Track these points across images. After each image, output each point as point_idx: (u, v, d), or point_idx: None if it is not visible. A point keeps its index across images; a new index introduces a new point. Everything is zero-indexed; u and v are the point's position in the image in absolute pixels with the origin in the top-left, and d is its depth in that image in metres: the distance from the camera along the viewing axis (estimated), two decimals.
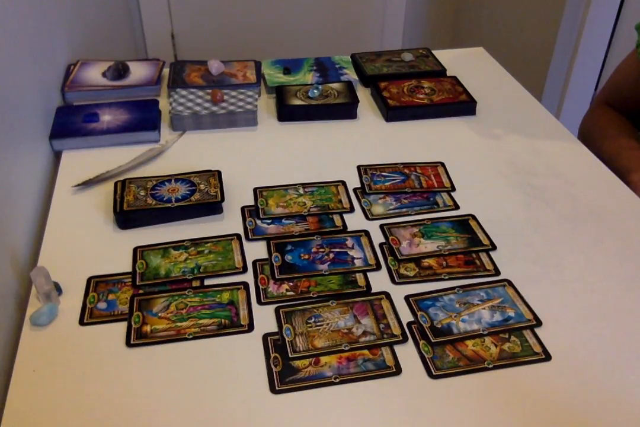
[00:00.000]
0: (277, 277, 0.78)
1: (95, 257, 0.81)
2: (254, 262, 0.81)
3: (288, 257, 0.81)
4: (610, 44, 1.97)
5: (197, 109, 1.08)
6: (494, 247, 0.83)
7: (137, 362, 0.67)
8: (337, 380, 0.65)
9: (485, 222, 0.87)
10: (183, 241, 0.84)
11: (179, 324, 0.72)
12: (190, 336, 0.70)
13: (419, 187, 0.94)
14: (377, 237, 0.85)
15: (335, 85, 1.17)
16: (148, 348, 0.69)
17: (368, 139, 1.07)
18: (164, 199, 0.88)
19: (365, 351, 0.69)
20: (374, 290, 0.77)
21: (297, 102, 1.12)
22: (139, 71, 1.21)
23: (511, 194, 0.94)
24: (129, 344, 0.69)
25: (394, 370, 0.66)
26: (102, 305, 0.74)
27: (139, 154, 1.00)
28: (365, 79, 1.23)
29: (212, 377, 0.66)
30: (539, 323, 0.72)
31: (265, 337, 0.70)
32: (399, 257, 0.81)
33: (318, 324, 0.72)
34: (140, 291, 0.76)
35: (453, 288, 0.77)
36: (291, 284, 0.77)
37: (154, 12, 2.41)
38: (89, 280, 0.78)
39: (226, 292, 0.76)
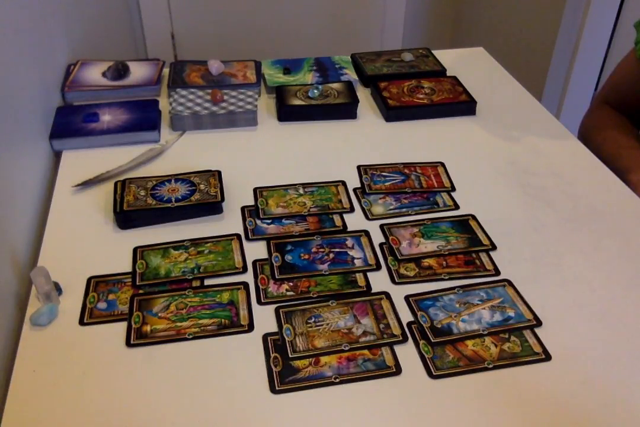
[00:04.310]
0: (277, 277, 0.78)
1: (95, 257, 0.81)
2: (254, 262, 0.81)
3: (288, 257, 0.81)
4: (610, 44, 1.97)
5: (197, 109, 1.08)
6: (494, 247, 0.83)
7: (137, 362, 0.67)
8: (337, 380, 0.65)
9: (485, 222, 0.87)
10: (183, 241, 0.84)
11: (179, 324, 0.72)
12: (190, 336, 0.70)
13: (419, 187, 0.94)
14: (377, 237, 0.85)
15: (335, 85, 1.17)
16: (148, 348, 0.69)
17: (368, 139, 1.07)
18: (164, 199, 0.88)
19: (365, 351, 0.69)
20: (374, 290, 0.77)
21: (297, 102, 1.12)
22: (139, 71, 1.21)
23: (511, 194, 0.94)
24: (129, 344, 0.69)
25: (394, 370, 0.66)
26: (102, 305, 0.74)
27: (139, 154, 1.00)
28: (365, 79, 1.23)
29: (212, 377, 0.66)
30: (539, 323, 0.72)
31: (265, 337, 0.70)
32: (399, 257, 0.81)
33: (318, 324, 0.72)
34: (140, 291, 0.76)
35: (453, 288, 0.77)
36: (291, 284, 0.77)
37: (154, 12, 2.41)
38: (89, 280, 0.78)
39: (226, 292, 0.76)
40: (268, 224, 0.87)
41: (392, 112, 1.12)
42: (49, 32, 1.16)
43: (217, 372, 0.66)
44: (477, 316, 0.73)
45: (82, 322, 0.72)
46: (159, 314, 0.73)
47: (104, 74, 1.19)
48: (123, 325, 0.72)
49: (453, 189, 0.95)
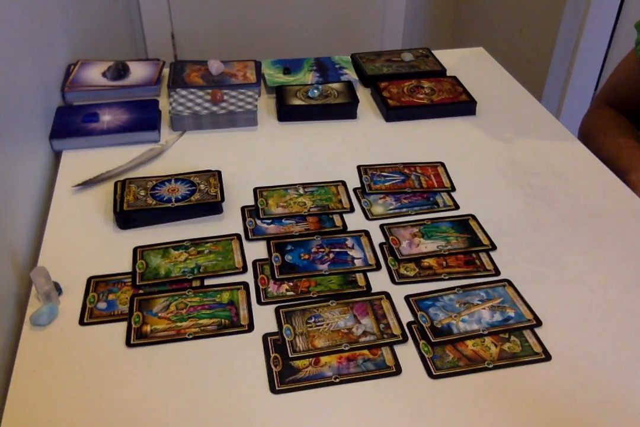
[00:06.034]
0: (277, 277, 0.78)
1: (95, 257, 0.81)
2: (254, 262, 0.81)
3: (288, 257, 0.81)
4: (610, 44, 1.97)
5: (197, 109, 1.08)
6: (494, 247, 0.83)
7: (137, 362, 0.67)
8: (337, 380, 0.65)
9: (485, 222, 0.87)
10: (183, 241, 0.84)
11: (179, 324, 0.72)
12: (190, 336, 0.70)
13: (419, 187, 0.94)
14: (377, 237, 0.85)
15: (335, 85, 1.17)
16: (148, 348, 0.69)
17: (368, 139, 1.07)
18: (164, 199, 0.88)
19: (365, 351, 0.69)
20: (374, 290, 0.77)
21: (297, 102, 1.12)
22: (139, 71, 1.21)
23: (511, 194, 0.94)
24: (129, 344, 0.69)
25: (394, 370, 0.66)
26: (102, 305, 0.74)
27: (139, 154, 1.00)
28: (365, 79, 1.23)
29: (212, 377, 0.66)
30: (539, 323, 0.72)
31: (265, 337, 0.70)
32: (399, 257, 0.81)
33: (318, 324, 0.72)
34: (140, 291, 0.76)
35: (453, 288, 0.77)
36: (291, 284, 0.77)
37: (154, 12, 2.41)
38: (89, 280, 0.78)
39: (226, 292, 0.76)
40: (268, 224, 0.87)
41: (392, 112, 1.12)
42: (49, 32, 1.16)
43: (217, 372, 0.66)
44: (477, 316, 0.73)
45: (82, 322, 0.72)
46: (159, 314, 0.73)
47: (104, 74, 1.19)
48: (123, 325, 0.72)
49: (453, 189, 0.95)
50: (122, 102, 1.11)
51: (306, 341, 0.69)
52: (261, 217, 0.88)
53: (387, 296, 0.75)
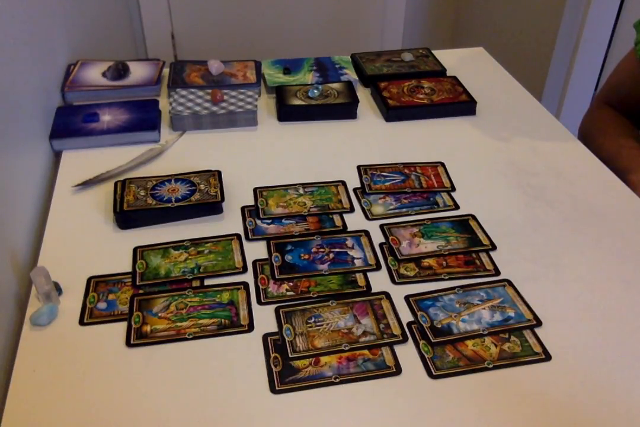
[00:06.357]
0: (277, 277, 0.78)
1: (95, 257, 0.81)
2: (254, 262, 0.81)
3: (288, 257, 0.81)
4: (610, 44, 1.97)
5: (197, 109, 1.08)
6: (494, 247, 0.83)
7: (137, 362, 0.67)
8: (337, 380, 0.65)
9: (485, 222, 0.87)
10: (183, 241, 0.84)
11: (179, 324, 0.72)
12: (190, 336, 0.70)
13: (419, 187, 0.94)
14: (377, 237, 0.85)
15: (335, 85, 1.17)
16: (148, 348, 0.69)
17: (368, 139, 1.07)
18: (164, 199, 0.88)
19: (365, 351, 0.69)
20: (374, 290, 0.77)
21: (297, 102, 1.12)
22: (139, 71, 1.21)
23: (511, 194, 0.94)
24: (129, 344, 0.69)
25: (394, 370, 0.66)
26: (102, 305, 0.74)
27: (139, 154, 1.00)
28: (365, 79, 1.23)
29: (212, 377, 0.66)
30: (539, 323, 0.72)
31: (265, 337, 0.70)
32: (399, 257, 0.81)
33: (318, 324, 0.72)
34: (140, 291, 0.76)
35: (453, 288, 0.77)
36: (291, 284, 0.77)
37: (154, 12, 2.41)
38: (89, 280, 0.78)
39: (226, 292, 0.76)
40: (268, 224, 0.87)
41: (392, 112, 1.12)
42: (49, 32, 1.16)
43: (217, 372, 0.66)
44: (477, 316, 0.73)
45: (82, 322, 0.72)
46: (159, 314, 0.73)
47: (104, 74, 1.19)
48: (123, 325, 0.72)
49: (453, 189, 0.95)
50: (122, 102, 1.11)
51: (306, 341, 0.69)
52: (261, 217, 0.88)
53: (387, 296, 0.75)
